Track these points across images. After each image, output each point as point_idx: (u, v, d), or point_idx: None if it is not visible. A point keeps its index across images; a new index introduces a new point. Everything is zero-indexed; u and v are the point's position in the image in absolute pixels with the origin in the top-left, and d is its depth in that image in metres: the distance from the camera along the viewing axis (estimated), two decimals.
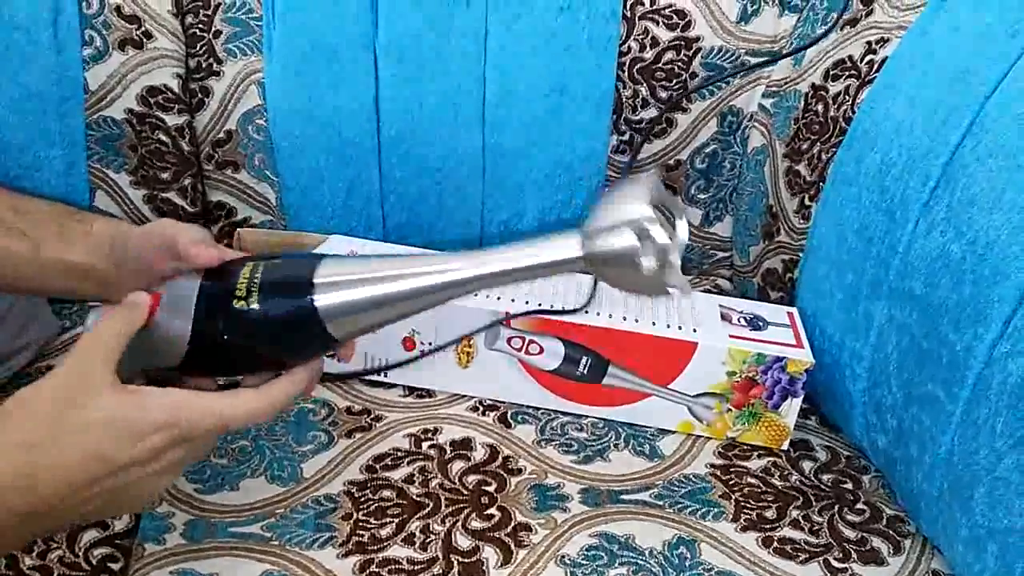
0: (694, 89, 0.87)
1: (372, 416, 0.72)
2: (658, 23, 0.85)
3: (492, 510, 0.63)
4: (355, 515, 0.61)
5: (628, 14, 0.84)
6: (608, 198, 0.45)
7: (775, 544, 0.62)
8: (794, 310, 0.76)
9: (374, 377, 0.75)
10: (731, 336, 0.71)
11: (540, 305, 0.72)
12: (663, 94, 0.87)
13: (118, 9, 0.78)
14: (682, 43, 0.85)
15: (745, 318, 0.74)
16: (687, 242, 0.44)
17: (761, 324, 0.73)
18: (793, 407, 0.71)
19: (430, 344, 0.73)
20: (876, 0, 0.77)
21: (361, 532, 0.60)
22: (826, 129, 0.78)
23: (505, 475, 0.66)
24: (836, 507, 0.66)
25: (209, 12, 0.81)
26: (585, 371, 0.72)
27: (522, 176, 0.88)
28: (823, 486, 0.69)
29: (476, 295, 0.72)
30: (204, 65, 0.82)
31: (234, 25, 0.81)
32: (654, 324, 0.71)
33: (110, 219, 0.68)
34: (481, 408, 0.74)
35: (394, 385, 0.75)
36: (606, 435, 0.72)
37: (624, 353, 0.71)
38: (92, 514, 0.45)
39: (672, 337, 0.70)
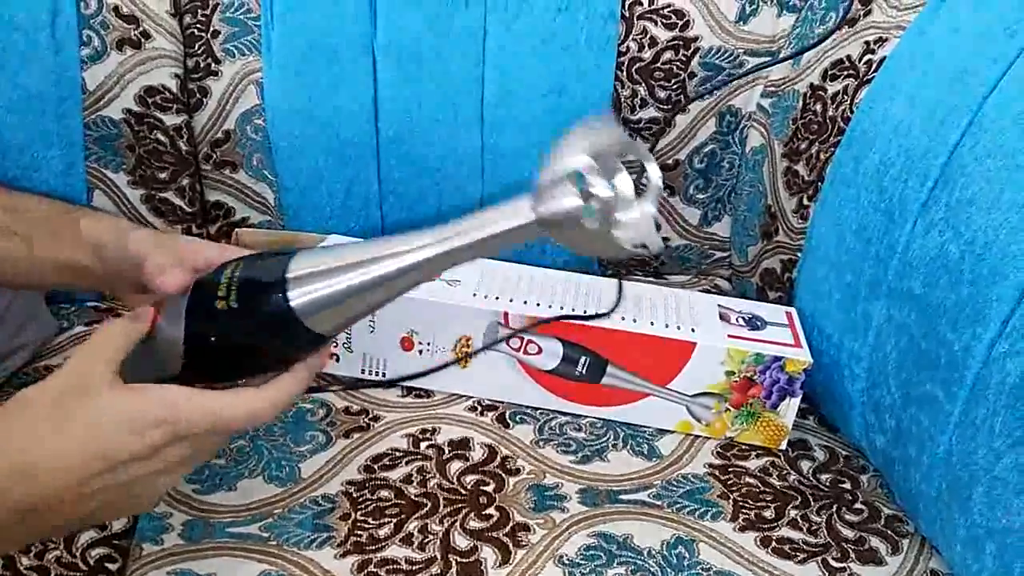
0: (699, 96, 0.87)
1: (370, 416, 0.72)
2: (656, 23, 0.85)
3: (490, 510, 0.63)
4: (353, 515, 0.61)
5: (626, 14, 0.84)
6: (555, 147, 0.41)
7: (773, 544, 0.62)
8: (792, 310, 0.76)
9: (373, 377, 0.75)
10: (729, 336, 0.71)
11: (563, 309, 0.72)
12: (662, 94, 0.87)
13: (116, 9, 0.78)
14: (680, 43, 0.85)
15: (743, 318, 0.74)
16: (661, 187, 0.40)
17: (759, 324, 0.73)
18: (791, 407, 0.71)
19: (428, 344, 0.73)
20: (874, 0, 0.77)
21: (359, 532, 0.60)
22: (824, 129, 0.78)
23: (503, 475, 0.66)
24: (834, 507, 0.66)
25: (207, 12, 0.81)
26: (583, 371, 0.72)
27: (521, 176, 0.87)
28: (821, 486, 0.69)
29: (476, 295, 0.72)
30: (202, 65, 0.82)
31: (232, 25, 0.81)
32: (652, 324, 0.71)
33: (106, 217, 0.67)
34: (479, 408, 0.74)
35: (392, 385, 0.75)
36: (604, 435, 0.72)
37: (622, 353, 0.71)
38: (93, 514, 0.45)
39: (670, 337, 0.70)
